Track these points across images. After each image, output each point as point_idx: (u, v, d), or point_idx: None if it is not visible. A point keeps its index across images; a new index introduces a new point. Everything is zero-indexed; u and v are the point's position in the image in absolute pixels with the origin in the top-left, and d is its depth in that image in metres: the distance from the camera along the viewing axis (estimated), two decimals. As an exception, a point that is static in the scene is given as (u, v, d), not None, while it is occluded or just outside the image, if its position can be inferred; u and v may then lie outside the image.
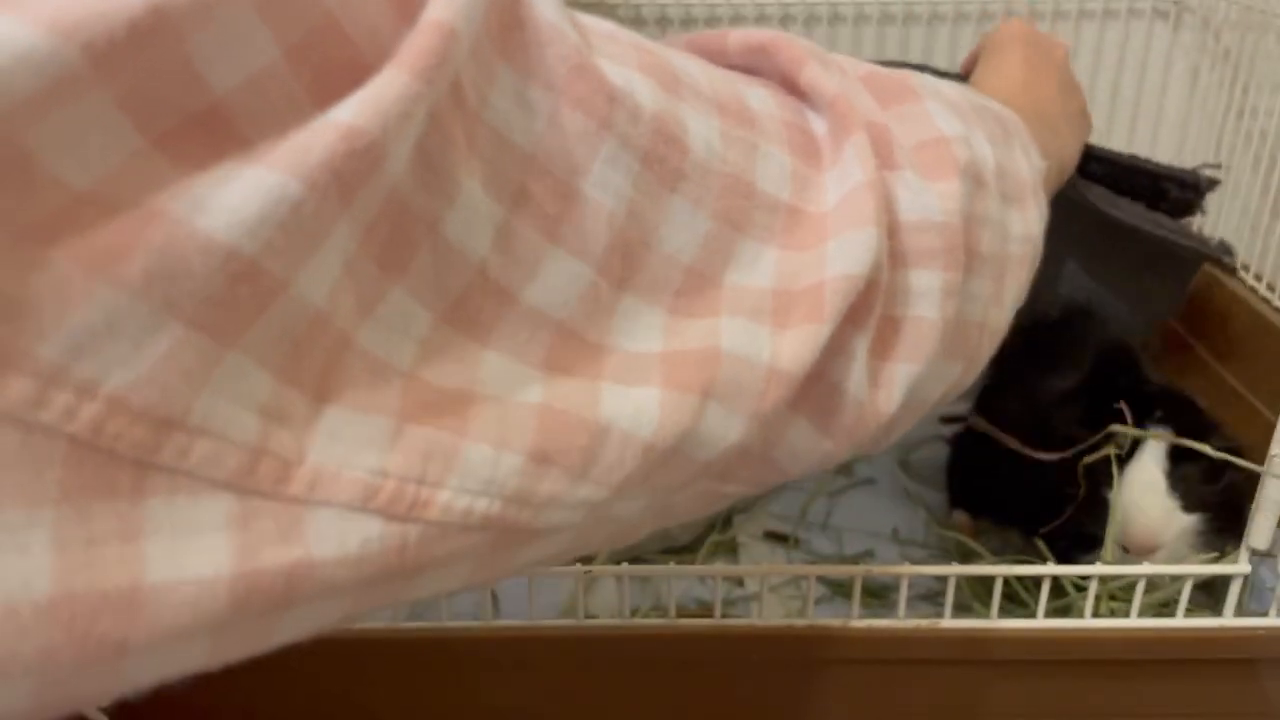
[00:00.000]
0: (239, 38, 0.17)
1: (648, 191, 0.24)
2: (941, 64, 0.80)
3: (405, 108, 0.18)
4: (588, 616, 0.48)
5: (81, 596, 0.16)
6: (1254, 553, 0.48)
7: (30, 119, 0.15)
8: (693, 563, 0.60)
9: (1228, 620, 0.48)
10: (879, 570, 0.47)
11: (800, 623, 0.47)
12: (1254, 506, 0.47)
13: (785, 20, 0.79)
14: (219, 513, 0.18)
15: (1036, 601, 0.48)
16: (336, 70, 0.18)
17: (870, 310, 0.28)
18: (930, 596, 0.56)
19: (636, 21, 0.79)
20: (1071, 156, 0.49)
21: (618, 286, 0.24)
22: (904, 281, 0.30)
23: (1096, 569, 0.48)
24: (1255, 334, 0.68)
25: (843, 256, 0.27)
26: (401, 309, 0.20)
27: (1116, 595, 0.51)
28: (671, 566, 0.50)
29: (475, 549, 0.22)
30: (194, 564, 0.17)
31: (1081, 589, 0.51)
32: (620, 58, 0.25)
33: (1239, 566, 0.48)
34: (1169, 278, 0.68)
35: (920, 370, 0.30)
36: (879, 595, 0.57)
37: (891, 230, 0.29)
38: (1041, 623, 0.48)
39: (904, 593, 0.47)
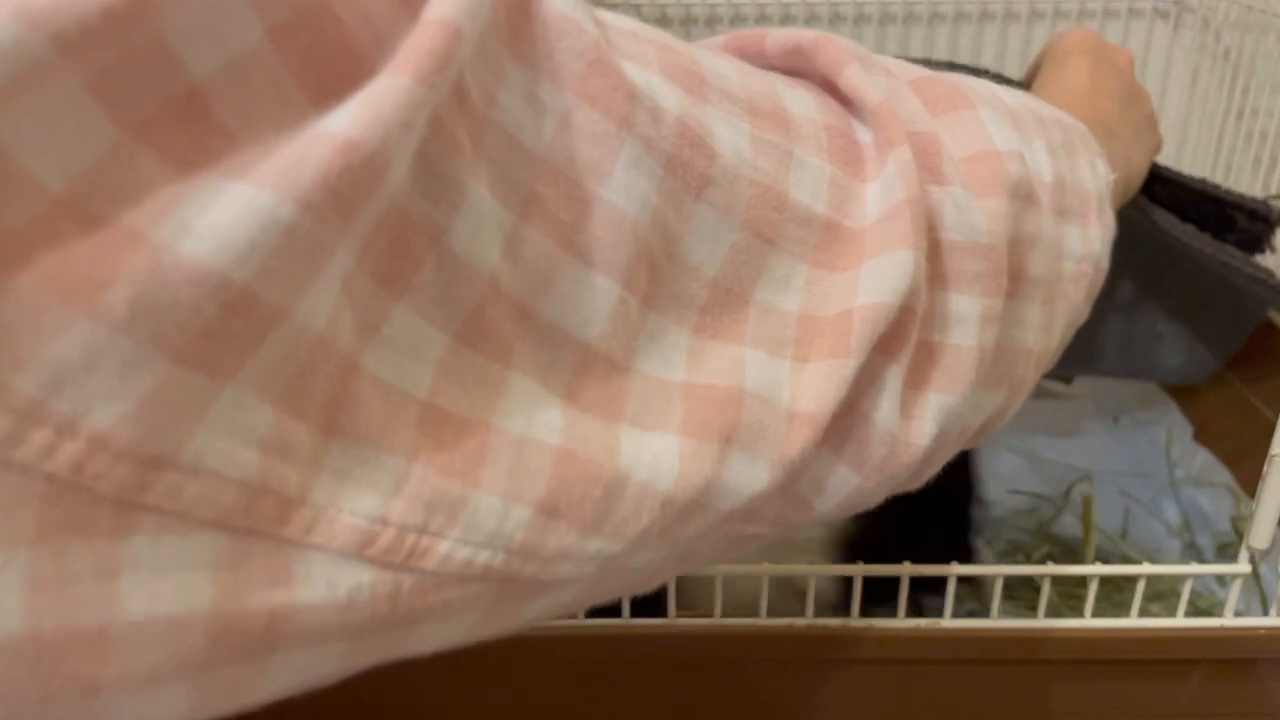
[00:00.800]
0: (219, 16, 0.16)
1: (672, 199, 0.23)
2: (940, 66, 0.80)
3: (407, 116, 0.17)
4: (587, 616, 0.48)
5: (50, 635, 0.15)
6: (1254, 552, 0.48)
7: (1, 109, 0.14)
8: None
9: (1228, 620, 0.48)
10: (879, 570, 0.47)
11: (800, 623, 0.47)
12: (1255, 506, 0.47)
13: (785, 20, 0.79)
14: (207, 551, 0.17)
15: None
16: (328, 57, 0.17)
17: (905, 339, 0.26)
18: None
19: (636, 21, 0.79)
20: (1139, 170, 0.46)
21: (645, 304, 0.23)
22: (943, 306, 0.28)
23: (1096, 569, 0.48)
24: (1255, 334, 0.68)
25: (876, 282, 0.25)
26: (410, 329, 0.19)
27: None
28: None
29: (478, 600, 0.21)
30: (170, 602, 0.16)
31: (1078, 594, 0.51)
32: (640, 57, 0.23)
33: (1239, 566, 0.48)
34: (1232, 318, 0.64)
35: (956, 401, 0.28)
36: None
37: (933, 250, 0.27)
38: (1042, 622, 0.48)
39: (904, 592, 0.47)
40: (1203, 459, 0.71)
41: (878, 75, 0.29)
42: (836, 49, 0.29)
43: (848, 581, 0.48)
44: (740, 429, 0.24)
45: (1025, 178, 0.30)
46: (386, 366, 0.19)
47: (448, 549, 0.19)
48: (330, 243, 0.17)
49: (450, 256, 0.19)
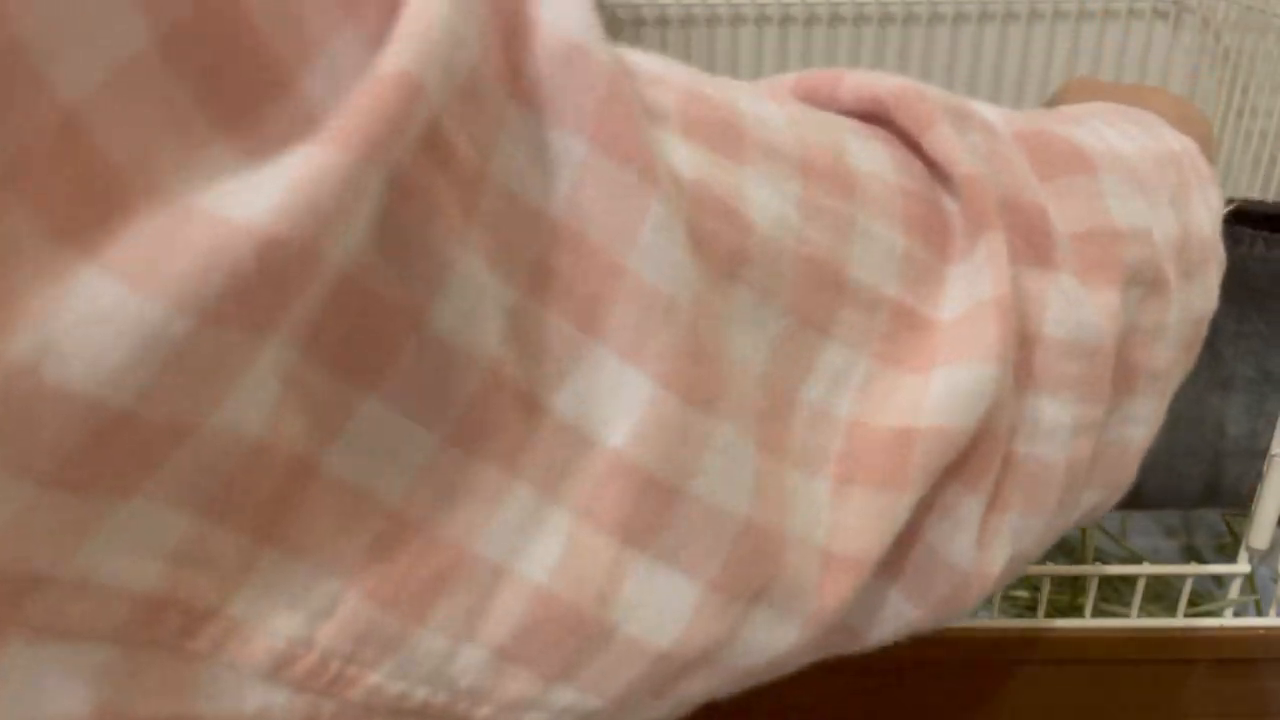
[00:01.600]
0: (94, 18, 0.12)
1: (705, 275, 0.19)
2: (941, 64, 0.80)
3: (348, 199, 0.14)
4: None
5: None
6: (1254, 552, 0.48)
7: None
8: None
9: (1228, 620, 0.48)
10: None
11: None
12: (1254, 507, 0.47)
13: (785, 21, 0.79)
14: (94, 664, 0.15)
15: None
16: (245, 83, 0.14)
17: (986, 467, 0.22)
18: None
19: (636, 21, 0.79)
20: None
21: (693, 403, 0.18)
22: (1031, 412, 0.24)
23: (1096, 569, 0.48)
24: (1255, 334, 0.68)
25: (947, 399, 0.21)
26: (385, 427, 0.16)
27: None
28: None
29: None
30: (45, 710, 0.14)
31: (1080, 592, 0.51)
32: (656, 108, 0.19)
33: (1239, 566, 0.48)
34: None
35: (1036, 523, 0.24)
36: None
37: (1027, 345, 0.23)
38: (1042, 622, 0.48)
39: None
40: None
41: (973, 133, 0.24)
42: (922, 102, 0.24)
43: None
44: (777, 583, 0.20)
45: (1150, 261, 0.26)
46: (352, 470, 0.16)
47: (378, 681, 0.17)
48: (249, 349, 0.14)
49: (435, 342, 0.16)
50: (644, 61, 0.20)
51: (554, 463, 0.18)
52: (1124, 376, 0.26)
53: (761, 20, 0.79)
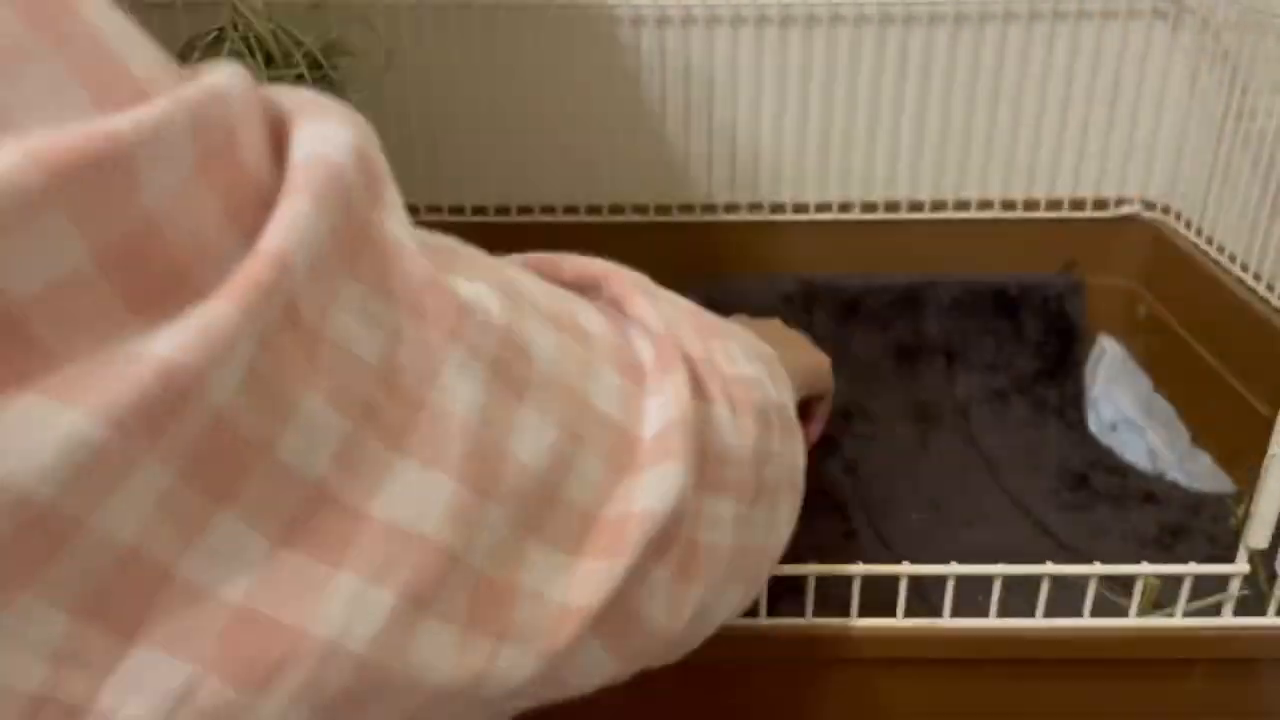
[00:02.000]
0: (43, 242, 0.16)
1: (499, 399, 0.24)
2: (941, 64, 0.80)
3: (229, 341, 0.18)
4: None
5: None
6: (1253, 552, 0.48)
7: None
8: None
9: (1227, 620, 0.48)
10: (879, 570, 0.47)
11: (800, 622, 0.47)
12: (1253, 507, 0.47)
13: (785, 21, 0.79)
14: None
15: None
16: (154, 276, 0.18)
17: (673, 542, 0.29)
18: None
19: (636, 22, 0.79)
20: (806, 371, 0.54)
21: (482, 497, 0.24)
22: (707, 509, 0.31)
23: (1095, 568, 0.48)
24: (1255, 334, 0.68)
25: (652, 491, 0.28)
26: (232, 536, 0.20)
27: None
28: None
29: None
30: None
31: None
32: (469, 270, 0.25)
33: (1238, 566, 0.48)
34: None
35: (710, 595, 0.31)
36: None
37: (703, 459, 0.30)
38: (1040, 622, 0.48)
39: (903, 592, 0.47)
40: (1202, 460, 0.71)
41: (661, 304, 0.33)
42: (623, 283, 0.33)
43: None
44: (515, 626, 0.25)
45: (765, 402, 0.35)
46: (200, 571, 0.19)
47: None
48: (137, 459, 0.17)
49: (279, 466, 0.20)
50: (441, 240, 0.26)
51: (375, 553, 0.22)
52: (758, 487, 0.34)
53: (761, 20, 0.79)
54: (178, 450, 0.18)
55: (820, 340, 0.61)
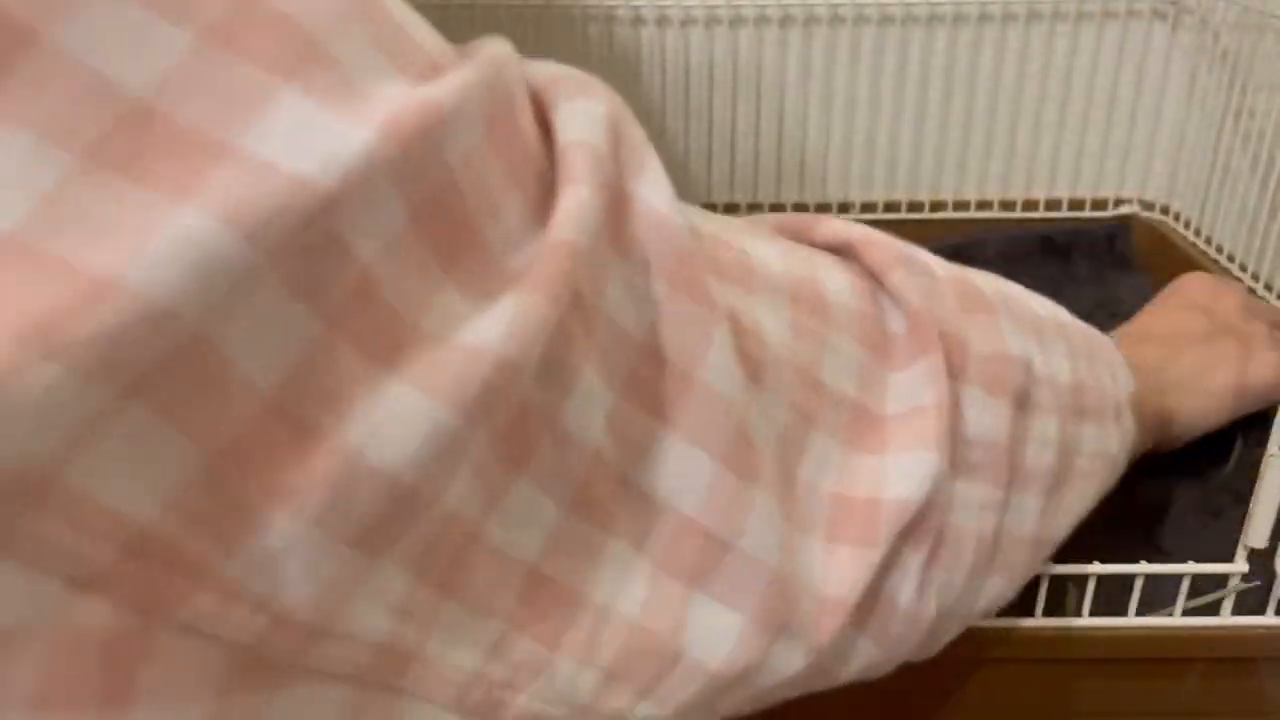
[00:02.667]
0: (374, 203, 0.17)
1: (744, 381, 0.25)
2: (941, 64, 0.80)
3: (543, 332, 0.19)
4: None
5: None
6: (1252, 552, 0.48)
7: (221, 318, 0.15)
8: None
9: (1226, 620, 0.48)
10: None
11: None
12: (1252, 505, 0.47)
13: (785, 21, 0.79)
14: (335, 703, 0.19)
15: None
16: (459, 237, 0.19)
17: (928, 531, 0.29)
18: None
19: (636, 21, 0.80)
20: (1188, 421, 0.49)
21: (742, 479, 0.24)
22: (958, 493, 0.30)
23: (1095, 568, 0.48)
24: (1254, 334, 0.68)
25: (902, 478, 0.28)
26: (528, 502, 0.21)
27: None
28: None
29: None
30: None
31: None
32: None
33: (1237, 566, 0.48)
34: None
35: (957, 579, 0.31)
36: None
37: (955, 442, 0.29)
38: (1039, 622, 0.48)
39: (903, 592, 0.47)
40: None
41: (919, 276, 0.31)
42: (883, 251, 0.31)
43: None
44: (794, 619, 0.25)
45: (1032, 383, 0.33)
46: (502, 536, 0.21)
47: (524, 702, 0.22)
48: (473, 439, 0.19)
49: (563, 435, 0.21)
50: (698, 220, 0.26)
51: (639, 524, 0.23)
52: (1013, 472, 0.32)
53: (761, 20, 0.79)
54: (496, 429, 0.19)
55: None
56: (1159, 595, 0.48)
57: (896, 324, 0.30)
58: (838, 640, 0.27)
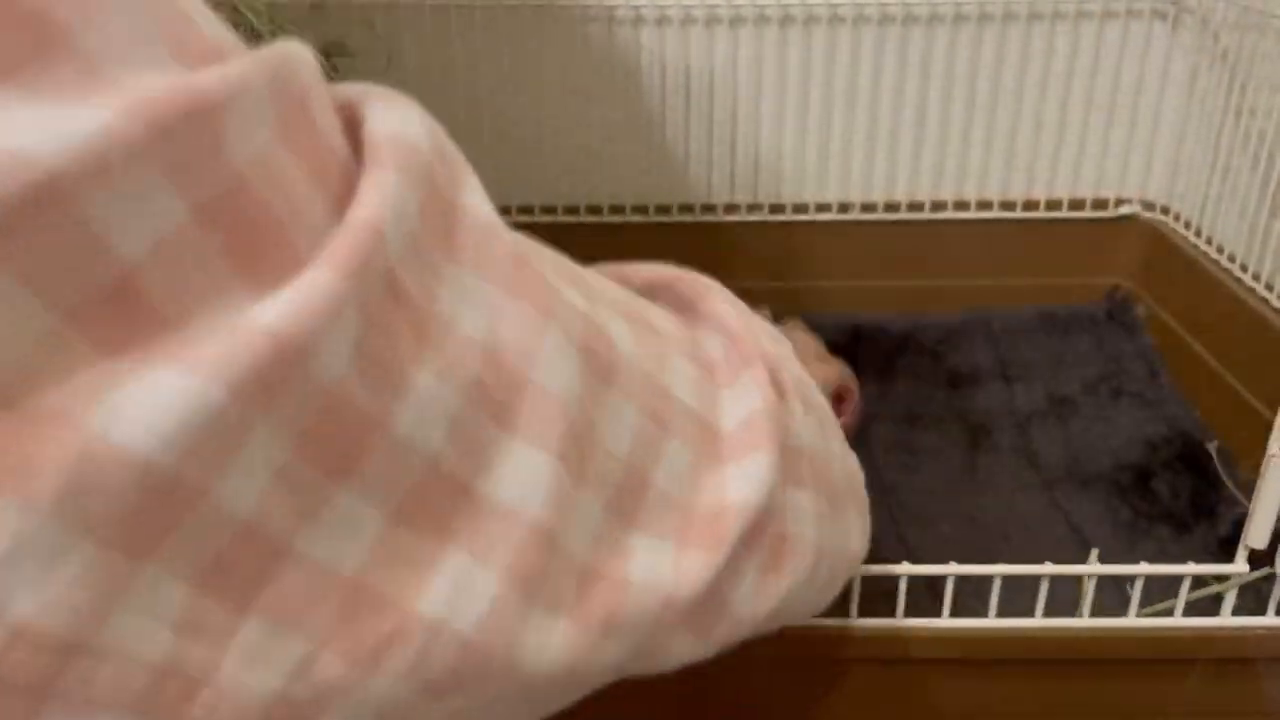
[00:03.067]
0: (141, 197, 0.16)
1: (588, 383, 0.25)
2: (941, 64, 0.80)
3: (333, 308, 0.18)
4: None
5: None
6: (1252, 552, 0.48)
7: None
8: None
9: (1226, 620, 0.48)
10: (876, 570, 0.47)
11: (800, 622, 0.47)
12: (1252, 506, 0.47)
13: (785, 21, 0.79)
14: None
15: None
16: (253, 234, 0.18)
17: (764, 533, 0.29)
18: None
19: (636, 22, 0.79)
20: None
21: (578, 478, 0.24)
22: (791, 501, 0.31)
23: (1094, 568, 0.48)
24: (1255, 334, 0.68)
25: (744, 483, 0.28)
26: (350, 512, 0.20)
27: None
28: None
29: None
30: None
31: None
32: (557, 273, 0.26)
33: (1237, 566, 0.48)
34: None
35: (796, 585, 0.32)
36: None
37: (788, 452, 0.31)
38: (1039, 622, 0.48)
39: (902, 591, 0.47)
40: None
41: (736, 306, 0.33)
42: (697, 282, 0.34)
43: None
44: (619, 619, 0.25)
45: (825, 405, 0.36)
46: (318, 547, 0.19)
47: None
48: (254, 427, 0.18)
49: (396, 442, 0.20)
50: (518, 239, 0.26)
51: (481, 533, 0.22)
52: (830, 485, 0.34)
53: (761, 20, 0.79)
54: (293, 422, 0.18)
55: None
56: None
57: (717, 351, 0.31)
58: (666, 636, 0.27)
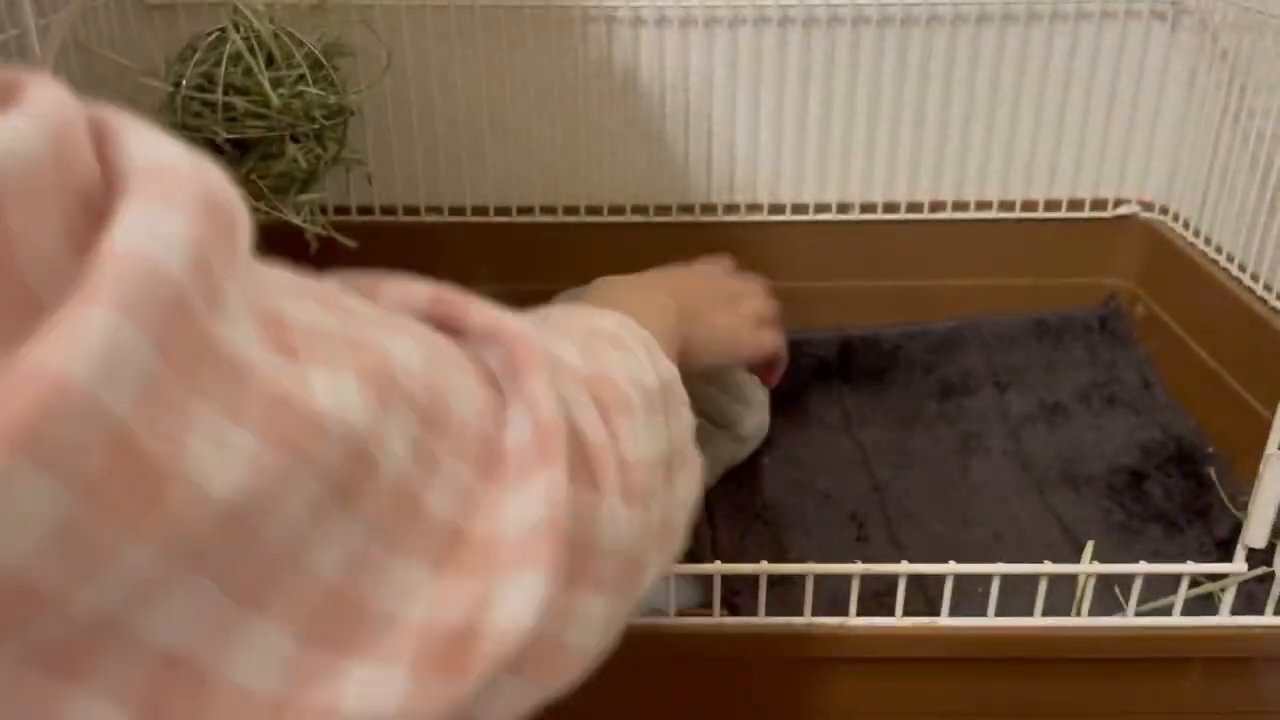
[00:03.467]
0: None
1: (316, 512, 0.22)
2: (940, 64, 0.80)
3: (108, 341, 0.17)
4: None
5: None
6: (1251, 552, 0.48)
7: None
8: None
9: (1225, 619, 0.48)
10: (876, 569, 0.47)
11: (799, 622, 0.47)
12: (1251, 506, 0.47)
13: (785, 21, 0.79)
14: None
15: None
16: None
17: (535, 658, 0.27)
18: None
19: (636, 22, 0.80)
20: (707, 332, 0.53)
21: (250, 607, 0.22)
22: (579, 609, 0.29)
23: (1093, 567, 0.48)
24: (1254, 334, 0.68)
25: (504, 606, 0.26)
26: (137, 569, 0.19)
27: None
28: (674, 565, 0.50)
29: None
30: None
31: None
32: (330, 358, 0.23)
33: (1236, 566, 0.48)
34: None
35: (551, 690, 0.29)
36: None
37: (584, 551, 0.28)
38: (1039, 621, 0.48)
39: (901, 591, 0.47)
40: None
41: (564, 385, 0.30)
42: (528, 351, 0.29)
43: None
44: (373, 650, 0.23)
45: (656, 480, 0.33)
46: (105, 602, 0.19)
47: None
48: (41, 485, 0.16)
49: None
50: (313, 317, 0.23)
51: (152, 691, 0.20)
52: (639, 572, 0.32)
53: (761, 21, 0.79)
54: (90, 480, 0.17)
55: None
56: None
57: (519, 433, 0.28)
58: None
